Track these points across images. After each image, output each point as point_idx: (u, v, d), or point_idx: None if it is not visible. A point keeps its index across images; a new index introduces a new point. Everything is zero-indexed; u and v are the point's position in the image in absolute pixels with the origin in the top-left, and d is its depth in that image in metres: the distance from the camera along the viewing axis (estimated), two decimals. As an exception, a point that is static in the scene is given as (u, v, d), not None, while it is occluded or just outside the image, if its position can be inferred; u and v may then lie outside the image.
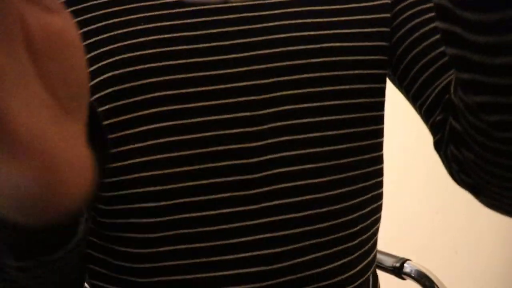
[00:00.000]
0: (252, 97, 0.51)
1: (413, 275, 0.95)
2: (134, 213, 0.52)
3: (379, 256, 0.96)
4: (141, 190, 0.51)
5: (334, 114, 0.53)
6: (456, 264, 1.88)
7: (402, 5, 0.57)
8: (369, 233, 0.59)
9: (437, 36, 0.54)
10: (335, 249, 0.55)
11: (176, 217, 0.52)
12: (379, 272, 0.71)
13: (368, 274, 0.60)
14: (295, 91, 0.52)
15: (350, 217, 0.55)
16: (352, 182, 0.55)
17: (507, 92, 0.36)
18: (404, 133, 1.70)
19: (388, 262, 0.97)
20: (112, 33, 0.51)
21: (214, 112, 0.51)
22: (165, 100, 0.50)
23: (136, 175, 0.51)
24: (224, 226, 0.52)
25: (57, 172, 0.21)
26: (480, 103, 0.39)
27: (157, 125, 0.50)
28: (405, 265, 0.96)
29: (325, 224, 0.54)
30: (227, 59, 0.51)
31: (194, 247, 0.52)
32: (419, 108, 0.56)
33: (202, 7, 0.52)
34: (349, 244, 0.56)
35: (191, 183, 0.51)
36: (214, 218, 0.52)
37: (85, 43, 0.52)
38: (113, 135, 0.51)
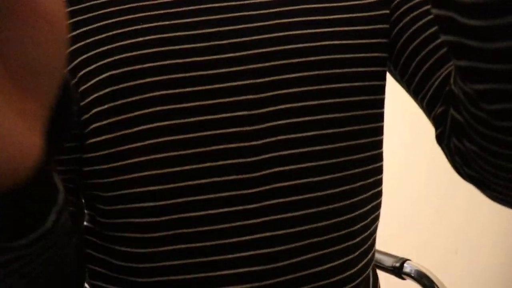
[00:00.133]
0: (249, 96, 0.51)
1: (413, 275, 0.95)
2: (133, 213, 0.52)
3: (379, 256, 0.96)
4: (140, 190, 0.51)
5: (332, 112, 0.53)
6: (456, 263, 1.88)
7: None
8: (368, 232, 0.59)
9: (436, 28, 0.54)
10: (334, 248, 0.55)
11: (174, 216, 0.52)
12: (379, 272, 0.71)
13: (367, 272, 0.60)
14: (292, 90, 0.52)
15: (350, 215, 0.55)
16: (351, 181, 0.55)
17: (505, 78, 0.36)
18: (404, 131, 1.70)
19: (388, 262, 0.97)
20: (111, 33, 0.51)
21: (211, 112, 0.51)
22: (163, 99, 0.50)
23: (134, 175, 0.51)
24: (222, 226, 0.52)
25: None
26: (479, 91, 0.38)
27: (155, 124, 0.50)
28: (405, 265, 0.96)
29: (324, 223, 0.54)
30: (224, 58, 0.51)
31: (193, 247, 0.52)
32: (420, 101, 0.55)
33: (200, 6, 0.52)
34: (349, 243, 0.56)
35: (189, 183, 0.51)
36: (213, 217, 0.52)
37: (84, 42, 0.52)
38: (112, 135, 0.51)
